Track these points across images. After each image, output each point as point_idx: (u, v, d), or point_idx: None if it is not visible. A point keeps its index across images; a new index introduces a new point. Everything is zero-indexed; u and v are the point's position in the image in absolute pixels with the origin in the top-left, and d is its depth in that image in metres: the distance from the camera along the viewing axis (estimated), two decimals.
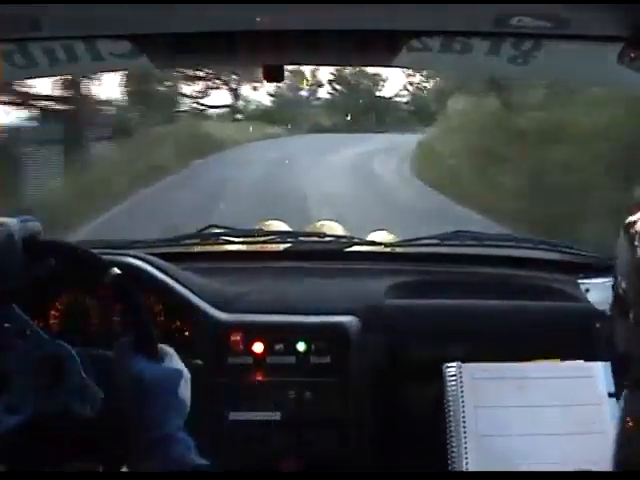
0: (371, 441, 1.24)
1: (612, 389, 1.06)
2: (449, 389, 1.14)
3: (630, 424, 0.48)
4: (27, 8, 0.76)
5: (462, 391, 1.13)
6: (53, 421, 0.84)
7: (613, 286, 0.53)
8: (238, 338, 1.24)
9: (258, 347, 1.25)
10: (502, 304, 1.34)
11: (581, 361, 1.14)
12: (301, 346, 1.25)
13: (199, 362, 1.20)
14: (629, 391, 0.48)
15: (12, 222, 0.83)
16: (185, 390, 0.87)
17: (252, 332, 1.26)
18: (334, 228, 1.78)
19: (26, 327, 0.86)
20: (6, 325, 0.87)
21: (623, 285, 0.50)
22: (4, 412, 0.82)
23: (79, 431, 0.84)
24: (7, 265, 0.83)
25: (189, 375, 0.89)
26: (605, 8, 0.75)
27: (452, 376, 1.15)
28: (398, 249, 1.61)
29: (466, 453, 1.09)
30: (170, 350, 0.90)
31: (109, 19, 0.83)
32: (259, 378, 1.25)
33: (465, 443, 1.09)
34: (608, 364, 1.10)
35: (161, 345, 0.90)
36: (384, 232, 1.73)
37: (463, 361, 1.18)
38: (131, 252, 1.35)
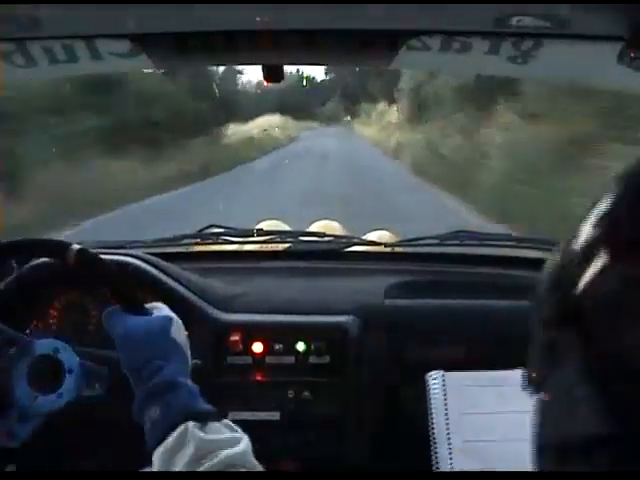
0: (370, 441, 1.24)
1: None
2: (432, 398, 1.13)
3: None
4: (27, 8, 0.76)
5: (445, 399, 1.13)
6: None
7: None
8: (237, 338, 1.24)
9: (257, 347, 1.25)
10: (502, 304, 1.34)
11: None
12: (300, 346, 1.25)
13: (198, 362, 1.20)
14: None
15: None
16: (178, 334, 0.85)
17: (251, 332, 1.26)
18: (334, 228, 1.78)
19: (25, 328, 0.86)
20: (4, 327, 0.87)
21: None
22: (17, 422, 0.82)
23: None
24: None
25: (180, 321, 0.88)
26: (605, 8, 0.75)
27: (435, 385, 1.14)
28: (398, 249, 1.61)
29: (451, 460, 1.08)
30: (160, 304, 0.89)
31: (109, 19, 0.84)
32: (258, 378, 1.24)
33: (449, 449, 1.09)
34: None
35: (154, 303, 0.90)
36: (384, 232, 1.74)
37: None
38: (131, 252, 1.35)
